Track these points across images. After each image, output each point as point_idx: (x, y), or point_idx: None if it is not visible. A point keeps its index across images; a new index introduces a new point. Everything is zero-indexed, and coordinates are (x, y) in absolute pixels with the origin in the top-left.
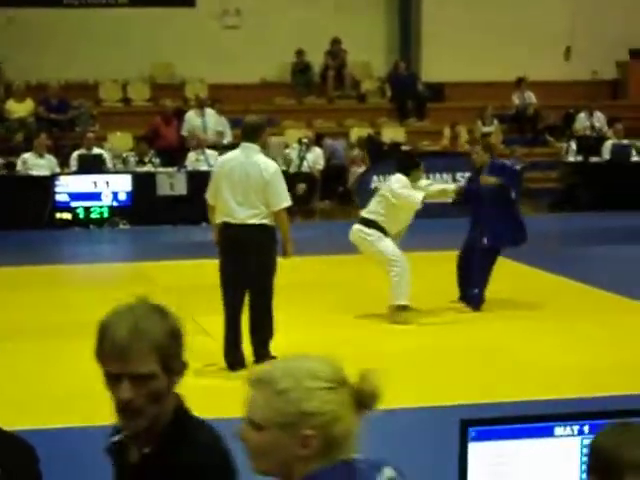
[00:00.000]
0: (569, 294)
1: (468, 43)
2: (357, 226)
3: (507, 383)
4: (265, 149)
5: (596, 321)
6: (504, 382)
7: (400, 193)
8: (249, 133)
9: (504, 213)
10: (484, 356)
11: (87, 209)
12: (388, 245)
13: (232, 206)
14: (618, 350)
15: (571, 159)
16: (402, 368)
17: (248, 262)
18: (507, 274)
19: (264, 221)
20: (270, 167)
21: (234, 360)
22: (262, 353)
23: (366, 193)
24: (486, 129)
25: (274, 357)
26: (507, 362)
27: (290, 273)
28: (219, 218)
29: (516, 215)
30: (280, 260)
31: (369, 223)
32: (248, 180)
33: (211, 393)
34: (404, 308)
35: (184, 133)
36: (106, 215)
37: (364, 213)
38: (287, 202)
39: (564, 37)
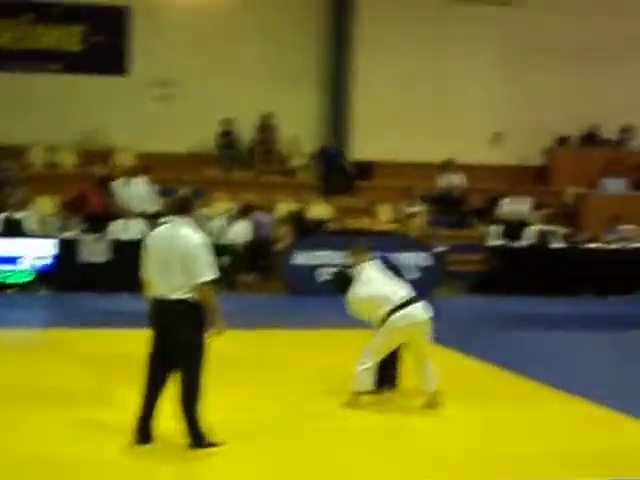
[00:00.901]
0: (484, 378)
1: (398, 123)
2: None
3: (420, 469)
4: (195, 222)
5: (513, 407)
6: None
7: None
8: (178, 206)
9: None
10: (390, 440)
11: (8, 273)
12: None
13: (158, 281)
14: (529, 438)
15: (494, 243)
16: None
17: (173, 338)
18: None
19: (189, 296)
20: (196, 239)
21: (141, 436)
22: (193, 431)
23: (290, 269)
24: (411, 209)
25: (202, 434)
26: (419, 447)
27: (218, 347)
28: (149, 292)
29: None
30: (212, 334)
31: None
32: (174, 254)
33: (114, 467)
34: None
35: (111, 201)
36: (27, 280)
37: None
38: (212, 274)
39: (492, 122)
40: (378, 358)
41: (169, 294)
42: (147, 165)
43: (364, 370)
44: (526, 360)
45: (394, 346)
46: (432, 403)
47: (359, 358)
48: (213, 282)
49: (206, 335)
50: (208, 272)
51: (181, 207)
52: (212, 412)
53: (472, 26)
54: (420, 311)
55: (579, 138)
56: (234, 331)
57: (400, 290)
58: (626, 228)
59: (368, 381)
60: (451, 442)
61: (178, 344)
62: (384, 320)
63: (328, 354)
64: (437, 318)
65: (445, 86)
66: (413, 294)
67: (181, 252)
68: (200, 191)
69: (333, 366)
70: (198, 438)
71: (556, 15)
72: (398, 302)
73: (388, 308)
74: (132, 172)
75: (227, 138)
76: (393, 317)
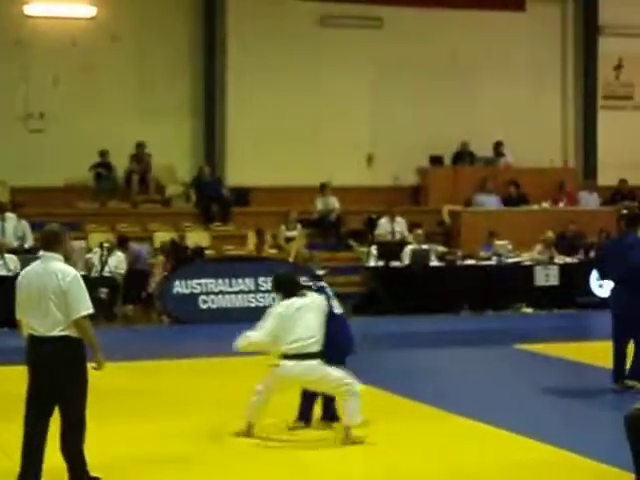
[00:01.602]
0: (365, 399)
1: (272, 148)
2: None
3: None
4: (68, 257)
5: (392, 426)
6: None
7: None
8: (48, 242)
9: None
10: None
11: None
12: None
13: (32, 319)
14: (404, 456)
15: (372, 264)
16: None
17: (52, 378)
18: None
19: (66, 333)
20: (68, 274)
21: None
22: (75, 466)
23: (169, 298)
24: (290, 234)
25: (84, 470)
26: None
27: (98, 382)
28: (25, 332)
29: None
30: (92, 370)
31: None
32: (46, 291)
33: None
34: None
35: None
36: None
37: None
38: (88, 309)
39: (366, 144)
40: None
41: (47, 332)
42: (20, 200)
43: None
44: (404, 378)
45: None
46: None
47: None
48: (90, 316)
49: (86, 370)
50: (83, 307)
51: (50, 241)
52: (93, 446)
53: (345, 51)
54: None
55: (452, 157)
56: (114, 364)
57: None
58: (500, 244)
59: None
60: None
61: (59, 381)
62: None
63: (212, 382)
64: None
65: (319, 110)
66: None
67: (54, 288)
68: (74, 224)
69: (220, 394)
70: (81, 473)
71: (421, 37)
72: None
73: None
74: (5, 207)
75: (102, 169)
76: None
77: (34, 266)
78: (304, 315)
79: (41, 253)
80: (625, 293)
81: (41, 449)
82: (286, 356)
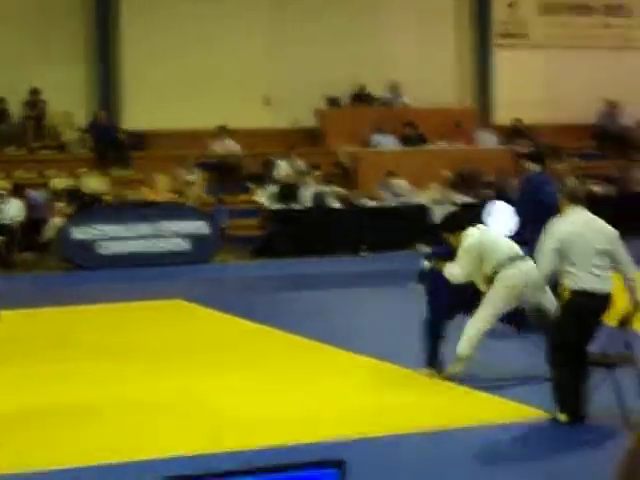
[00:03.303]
0: (266, 340)
1: (169, 92)
2: None
3: (202, 435)
4: None
5: (292, 367)
6: (199, 434)
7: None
8: None
9: None
10: (178, 408)
11: None
12: None
13: None
14: (312, 398)
15: (272, 206)
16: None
17: None
18: (203, 321)
19: None
20: None
21: None
22: None
23: (68, 244)
24: (189, 177)
25: None
26: (203, 413)
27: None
28: None
29: None
30: None
31: None
32: None
33: None
34: None
35: None
36: None
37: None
38: None
39: (263, 86)
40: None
41: None
42: None
43: None
44: (306, 319)
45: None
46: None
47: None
48: None
49: None
50: None
51: None
52: None
53: None
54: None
55: (349, 98)
56: (12, 311)
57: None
58: (398, 183)
59: None
60: (234, 406)
61: None
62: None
63: (111, 329)
64: (218, 284)
65: (215, 52)
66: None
67: None
68: None
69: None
70: None
71: None
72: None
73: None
74: None
75: None
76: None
77: None
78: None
79: None
80: (537, 232)
81: None
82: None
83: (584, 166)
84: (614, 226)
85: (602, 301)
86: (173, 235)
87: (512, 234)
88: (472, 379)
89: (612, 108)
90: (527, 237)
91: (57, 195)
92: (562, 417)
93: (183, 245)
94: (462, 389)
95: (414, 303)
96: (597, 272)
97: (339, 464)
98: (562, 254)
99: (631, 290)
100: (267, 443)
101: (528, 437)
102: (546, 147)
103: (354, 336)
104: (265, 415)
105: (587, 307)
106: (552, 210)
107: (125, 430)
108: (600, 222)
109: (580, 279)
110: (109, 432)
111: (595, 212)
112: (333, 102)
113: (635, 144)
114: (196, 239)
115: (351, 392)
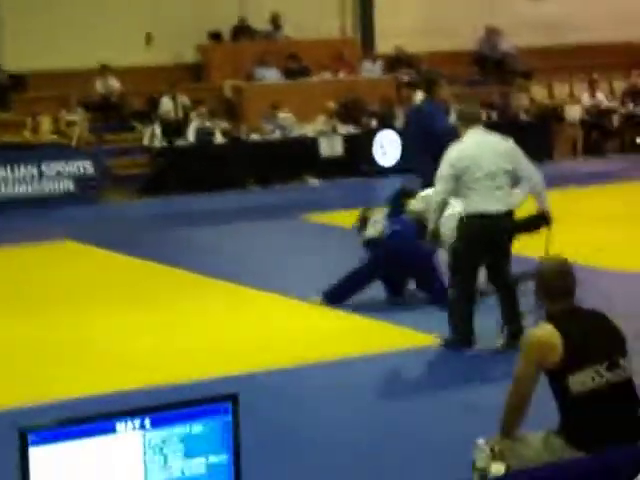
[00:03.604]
0: (156, 277)
1: (49, 31)
2: None
3: (93, 375)
4: None
5: (183, 303)
6: (90, 375)
7: None
8: None
9: None
10: (67, 348)
11: None
12: None
13: None
14: (205, 333)
15: (157, 144)
16: None
17: None
18: (93, 261)
19: None
20: None
21: None
22: None
23: None
24: (71, 118)
25: None
26: (93, 353)
27: None
28: None
29: None
30: None
31: None
32: None
33: None
34: None
35: None
36: None
37: None
38: None
39: (145, 23)
40: None
41: None
42: None
43: None
44: (195, 255)
45: None
46: None
47: None
48: None
49: None
50: None
51: None
52: None
53: None
54: None
55: (231, 32)
56: None
57: None
58: (283, 116)
59: None
60: (114, 344)
61: None
62: None
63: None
64: (105, 224)
65: None
66: None
67: None
68: None
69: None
70: None
71: None
72: None
73: None
74: None
75: None
76: None
77: None
78: None
79: None
80: (427, 163)
81: None
82: None
83: (467, 93)
84: None
85: (496, 221)
86: (57, 176)
87: (398, 162)
88: (364, 308)
89: (492, 34)
90: (416, 167)
91: None
92: (450, 340)
93: (68, 186)
94: (357, 317)
95: (304, 236)
96: (496, 193)
97: (232, 398)
98: (457, 178)
99: (539, 198)
100: (160, 381)
101: (432, 363)
102: (430, 74)
103: (245, 271)
104: (158, 351)
105: (479, 228)
106: (445, 138)
107: (12, 373)
108: (495, 140)
109: (473, 201)
110: None
111: None
112: (215, 37)
113: (515, 70)
114: (81, 179)
115: (245, 326)
